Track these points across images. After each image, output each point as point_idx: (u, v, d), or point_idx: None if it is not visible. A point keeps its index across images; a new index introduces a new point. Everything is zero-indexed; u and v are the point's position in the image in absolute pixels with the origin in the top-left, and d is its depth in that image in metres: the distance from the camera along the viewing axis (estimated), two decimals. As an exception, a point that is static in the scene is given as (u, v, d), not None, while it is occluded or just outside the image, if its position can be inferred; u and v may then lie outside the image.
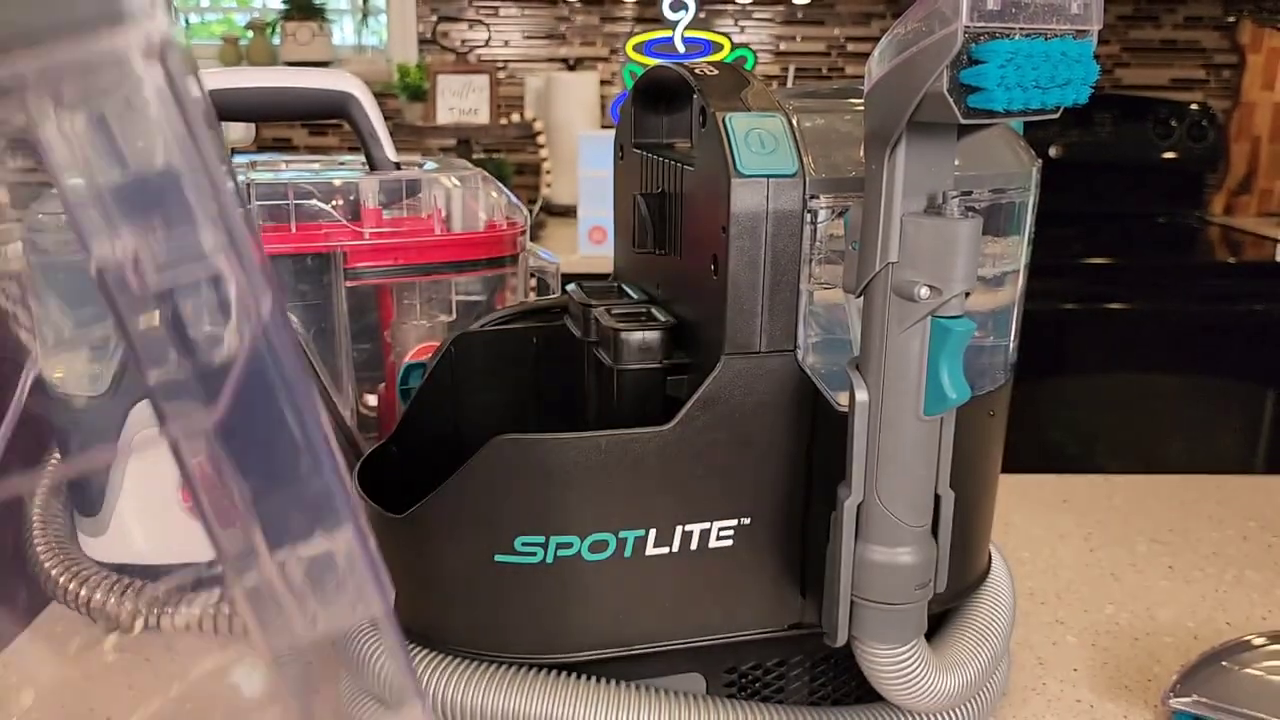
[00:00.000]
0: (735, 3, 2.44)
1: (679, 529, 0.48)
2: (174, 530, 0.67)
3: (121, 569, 0.66)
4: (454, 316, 0.71)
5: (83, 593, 0.64)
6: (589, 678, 0.49)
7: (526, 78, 2.47)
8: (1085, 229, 2.15)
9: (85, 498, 0.66)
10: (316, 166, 0.70)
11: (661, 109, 0.56)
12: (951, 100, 0.36)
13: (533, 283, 0.78)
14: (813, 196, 0.45)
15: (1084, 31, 0.38)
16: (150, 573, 0.67)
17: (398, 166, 0.73)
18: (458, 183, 0.70)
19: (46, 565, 0.65)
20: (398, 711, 0.46)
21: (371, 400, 0.70)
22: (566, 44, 2.50)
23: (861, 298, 0.43)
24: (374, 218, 0.66)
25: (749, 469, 0.48)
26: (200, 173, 0.22)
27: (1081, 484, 0.93)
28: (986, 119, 0.37)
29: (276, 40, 2.46)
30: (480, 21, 2.47)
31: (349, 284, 0.66)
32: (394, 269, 0.66)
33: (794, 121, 0.46)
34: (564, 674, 0.49)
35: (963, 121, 0.37)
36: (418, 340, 0.70)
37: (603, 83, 2.46)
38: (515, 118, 2.44)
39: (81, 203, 0.22)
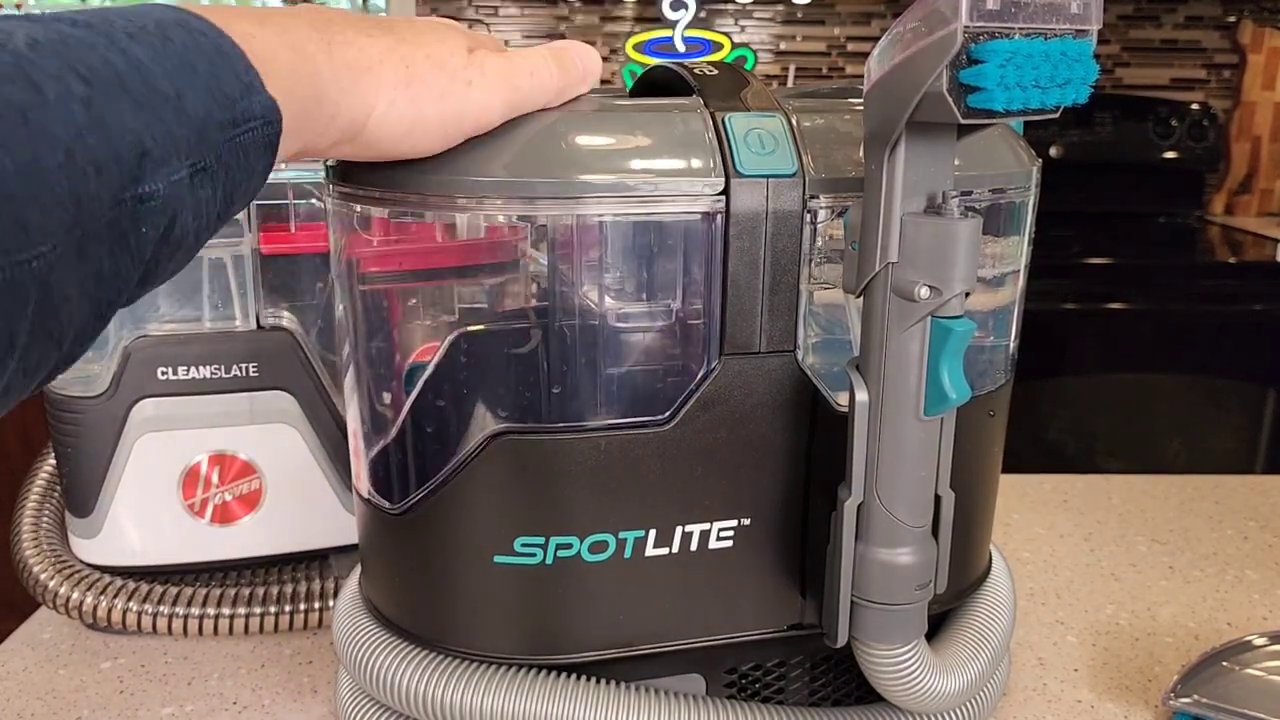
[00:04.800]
0: (735, 2, 2.44)
1: (679, 529, 0.48)
2: (171, 530, 0.67)
3: (114, 570, 0.66)
4: (456, 317, 0.71)
5: (74, 596, 0.64)
6: (589, 678, 0.49)
7: (526, 77, 2.46)
8: (1085, 229, 2.15)
9: (79, 498, 0.66)
10: (316, 166, 0.70)
11: (661, 109, 0.56)
12: (951, 100, 0.36)
13: (534, 288, 0.78)
14: (813, 196, 0.45)
15: (1084, 31, 0.38)
16: (145, 574, 0.67)
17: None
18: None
19: (34, 568, 0.65)
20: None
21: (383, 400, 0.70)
22: (566, 44, 2.50)
23: (861, 298, 0.43)
24: (380, 225, 0.66)
25: (749, 469, 0.48)
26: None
27: (1081, 484, 0.93)
28: (986, 119, 0.37)
29: (276, 40, 2.46)
30: (480, 21, 2.47)
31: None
32: (396, 274, 0.66)
33: (794, 121, 0.46)
34: (564, 674, 0.49)
35: (962, 121, 0.37)
36: (421, 341, 0.70)
37: (603, 82, 2.46)
38: (515, 117, 2.44)
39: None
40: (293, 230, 0.65)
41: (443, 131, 0.41)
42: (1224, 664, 0.58)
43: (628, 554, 0.47)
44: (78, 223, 0.27)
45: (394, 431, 0.50)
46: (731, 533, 0.48)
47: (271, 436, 0.67)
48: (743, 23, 2.47)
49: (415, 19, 0.42)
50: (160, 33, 0.31)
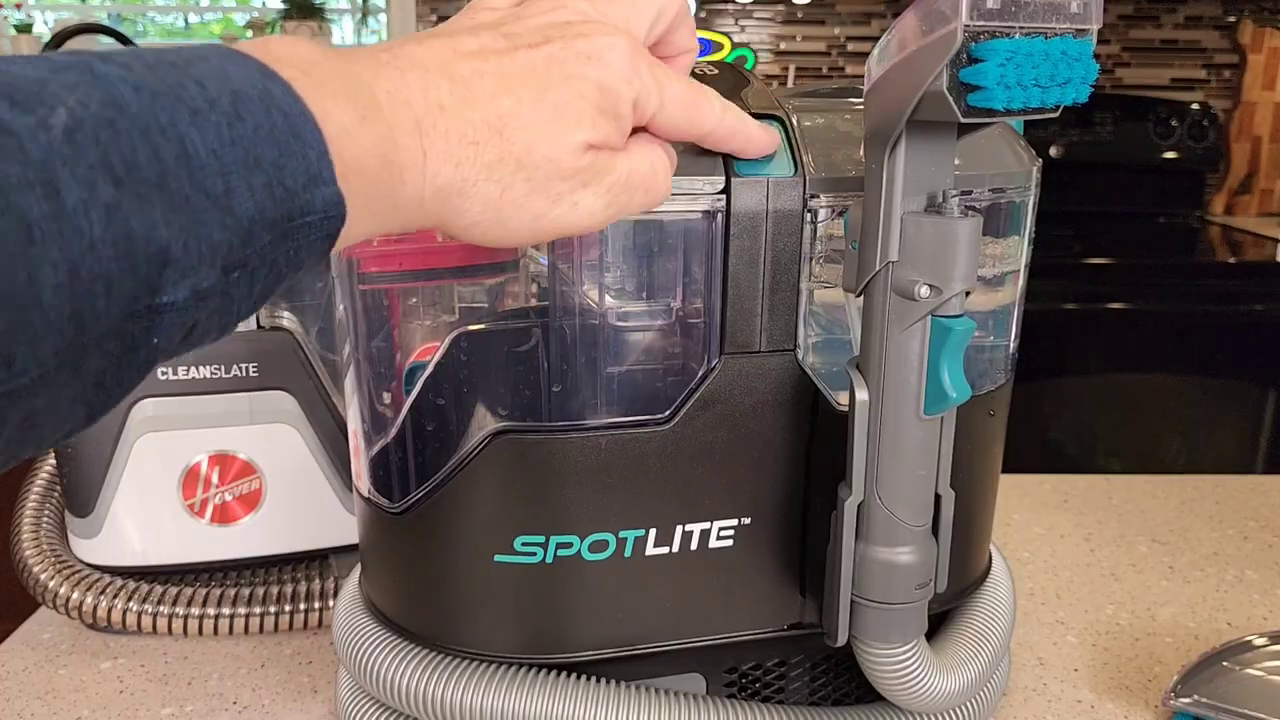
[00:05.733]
0: (735, 2, 2.44)
1: (679, 529, 0.48)
2: (171, 530, 0.67)
3: (114, 570, 0.66)
4: (456, 317, 0.71)
5: (74, 596, 0.64)
6: (589, 678, 0.49)
7: (526, 78, 2.46)
8: (1085, 229, 2.15)
9: (79, 498, 0.66)
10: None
11: (661, 108, 0.56)
12: (951, 99, 0.36)
13: (534, 288, 0.78)
14: (813, 196, 0.45)
15: (1084, 30, 0.38)
16: (145, 574, 0.67)
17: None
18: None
19: (34, 568, 0.65)
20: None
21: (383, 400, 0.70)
22: (566, 44, 2.50)
23: (861, 297, 0.43)
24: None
25: (749, 469, 0.48)
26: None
27: (1081, 484, 0.93)
28: (986, 118, 0.37)
29: (276, 40, 2.46)
30: (480, 21, 2.46)
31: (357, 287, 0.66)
32: (396, 274, 0.66)
33: (794, 121, 0.46)
34: (564, 674, 0.49)
35: (962, 120, 0.37)
36: (421, 341, 0.70)
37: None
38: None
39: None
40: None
41: (533, 239, 0.37)
42: (1224, 664, 0.58)
43: (628, 553, 0.47)
44: (76, 342, 0.24)
45: (394, 431, 0.50)
46: (731, 532, 0.48)
47: (271, 436, 0.67)
48: (743, 23, 2.47)
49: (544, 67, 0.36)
50: (233, 109, 0.27)
